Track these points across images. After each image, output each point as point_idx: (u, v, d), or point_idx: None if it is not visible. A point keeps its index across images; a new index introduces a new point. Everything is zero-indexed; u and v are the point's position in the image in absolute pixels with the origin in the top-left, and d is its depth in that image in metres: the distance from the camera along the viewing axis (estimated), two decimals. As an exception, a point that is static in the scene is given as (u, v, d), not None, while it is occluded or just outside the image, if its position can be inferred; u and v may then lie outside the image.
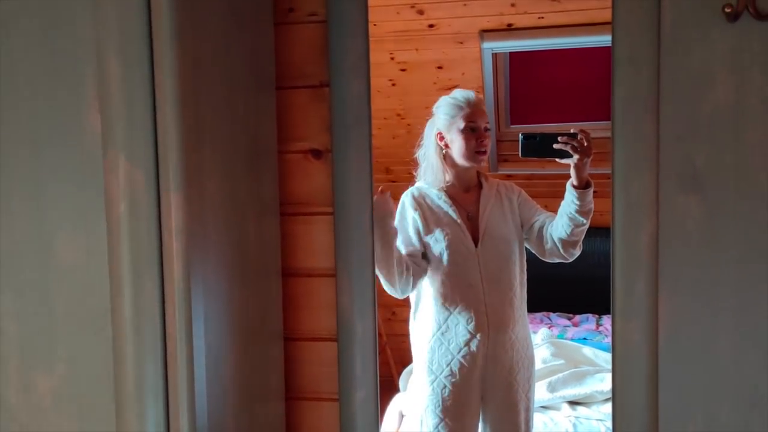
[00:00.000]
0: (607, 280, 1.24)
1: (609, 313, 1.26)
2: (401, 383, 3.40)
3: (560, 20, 3.30)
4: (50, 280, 1.05)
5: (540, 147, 2.06)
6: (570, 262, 2.22)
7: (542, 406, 2.95)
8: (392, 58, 3.63)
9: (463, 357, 2.15)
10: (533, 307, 2.48)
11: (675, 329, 1.20)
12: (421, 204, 2.19)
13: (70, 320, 1.05)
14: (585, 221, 2.08)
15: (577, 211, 2.05)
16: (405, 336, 2.36)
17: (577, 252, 2.17)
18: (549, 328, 3.80)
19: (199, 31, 1.06)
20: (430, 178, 2.22)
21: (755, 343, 1.17)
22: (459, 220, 2.16)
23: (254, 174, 1.29)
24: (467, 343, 2.14)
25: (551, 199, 2.50)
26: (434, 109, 2.24)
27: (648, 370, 1.22)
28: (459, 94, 2.20)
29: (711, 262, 1.18)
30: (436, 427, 2.17)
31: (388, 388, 3.38)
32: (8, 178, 1.05)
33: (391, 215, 2.04)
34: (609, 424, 2.71)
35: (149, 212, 1.00)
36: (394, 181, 4.03)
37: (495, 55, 3.60)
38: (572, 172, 2.04)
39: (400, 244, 2.17)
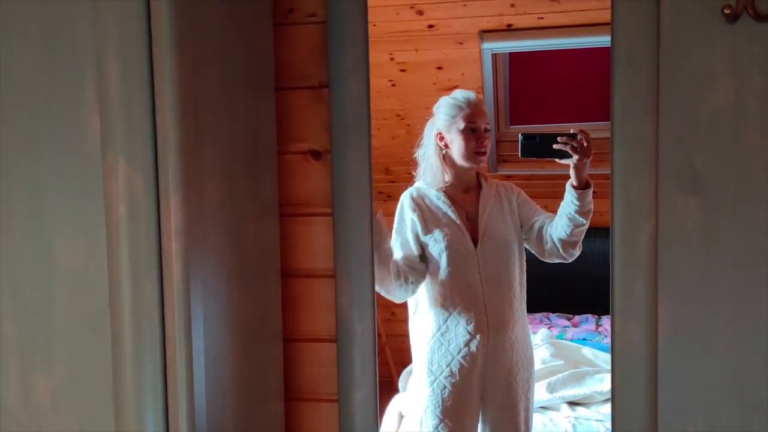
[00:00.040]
0: (606, 281, 1.24)
1: (609, 314, 1.26)
2: (401, 383, 3.40)
3: (560, 21, 3.30)
4: (50, 282, 1.05)
5: (540, 147, 2.06)
6: (569, 263, 2.22)
7: (541, 407, 2.95)
8: (392, 59, 3.63)
9: (463, 358, 2.14)
10: (533, 307, 2.48)
11: (674, 330, 1.20)
12: (420, 204, 2.19)
13: (69, 321, 1.05)
14: (585, 221, 2.08)
15: (577, 212, 2.05)
16: (404, 336, 2.36)
17: (577, 252, 2.17)
18: (548, 328, 3.80)
19: (199, 33, 1.06)
20: (429, 178, 2.22)
21: (755, 343, 1.17)
22: (458, 221, 2.16)
23: (254, 175, 1.29)
24: (467, 344, 2.14)
25: (551, 199, 2.50)
26: (434, 109, 2.24)
27: (647, 371, 1.22)
28: (459, 94, 2.20)
29: (710, 263, 1.18)
30: (436, 427, 2.17)
31: (387, 388, 3.38)
32: (8, 180, 1.05)
33: (386, 239, 2.04)
34: (608, 424, 2.71)
35: (148, 214, 1.00)
36: (393, 182, 4.03)
37: (495, 56, 3.60)
38: (572, 172, 2.04)
39: (398, 248, 2.17)
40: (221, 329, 1.15)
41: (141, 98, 0.99)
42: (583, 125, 2.41)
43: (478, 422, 2.22)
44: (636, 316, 1.22)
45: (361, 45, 1.35)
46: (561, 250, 2.16)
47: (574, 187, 2.05)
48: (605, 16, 1.24)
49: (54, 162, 1.03)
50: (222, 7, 1.15)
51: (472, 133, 2.15)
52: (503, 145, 3.95)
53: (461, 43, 3.49)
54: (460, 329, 2.14)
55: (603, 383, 3.02)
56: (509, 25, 3.38)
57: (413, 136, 2.34)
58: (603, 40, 3.22)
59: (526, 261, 2.27)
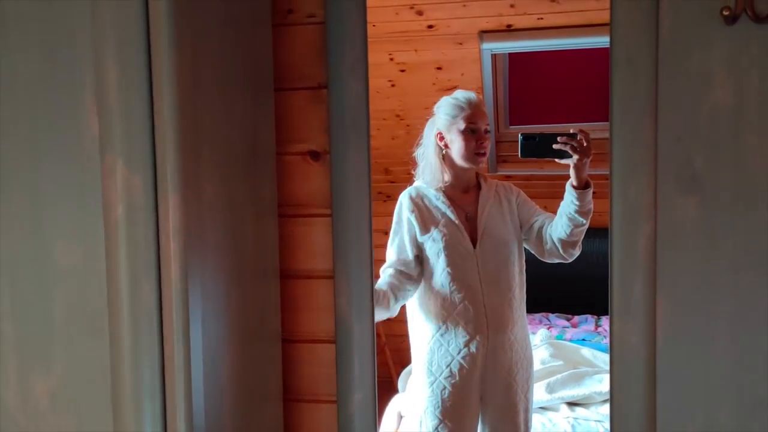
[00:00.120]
0: (606, 281, 1.24)
1: (608, 314, 1.26)
2: (400, 384, 3.40)
3: (559, 21, 3.30)
4: (48, 283, 1.05)
5: (539, 147, 2.07)
6: (569, 263, 2.22)
7: (541, 407, 2.95)
8: (391, 59, 3.63)
9: (463, 358, 2.14)
10: (532, 307, 2.48)
11: (673, 331, 1.20)
12: (419, 204, 2.19)
13: (67, 322, 1.05)
14: (584, 221, 2.08)
15: (577, 212, 2.06)
16: (404, 336, 2.36)
17: (577, 252, 2.18)
18: (548, 328, 3.80)
19: (197, 35, 1.06)
20: (428, 178, 2.22)
21: (753, 344, 1.17)
22: (457, 221, 2.16)
23: (252, 176, 1.29)
24: (466, 345, 2.14)
25: (550, 199, 2.50)
26: (435, 108, 2.24)
27: (646, 372, 1.22)
28: (460, 94, 2.20)
29: (709, 264, 1.18)
30: (436, 428, 2.17)
31: (386, 388, 3.38)
32: (7, 181, 1.05)
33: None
34: (607, 425, 2.71)
35: (147, 215, 1.00)
36: (393, 182, 4.03)
37: (494, 56, 3.60)
38: (572, 172, 2.04)
39: (395, 250, 2.18)
40: (220, 330, 1.15)
41: (139, 100, 0.99)
42: (583, 125, 2.41)
43: (477, 423, 2.22)
44: (635, 316, 1.22)
45: (360, 46, 1.35)
46: (561, 250, 2.16)
47: (574, 187, 2.05)
48: (604, 16, 1.24)
49: (53, 163, 1.03)
50: (221, 9, 1.15)
51: (472, 133, 2.15)
52: (503, 146, 3.95)
53: (461, 44, 3.49)
54: (459, 330, 2.14)
55: (602, 384, 3.02)
56: (509, 26, 3.38)
57: (413, 137, 2.34)
58: (602, 40, 3.21)
59: (526, 261, 2.27)
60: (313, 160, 1.40)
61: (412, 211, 2.17)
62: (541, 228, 2.20)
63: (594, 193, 2.08)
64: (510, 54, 3.73)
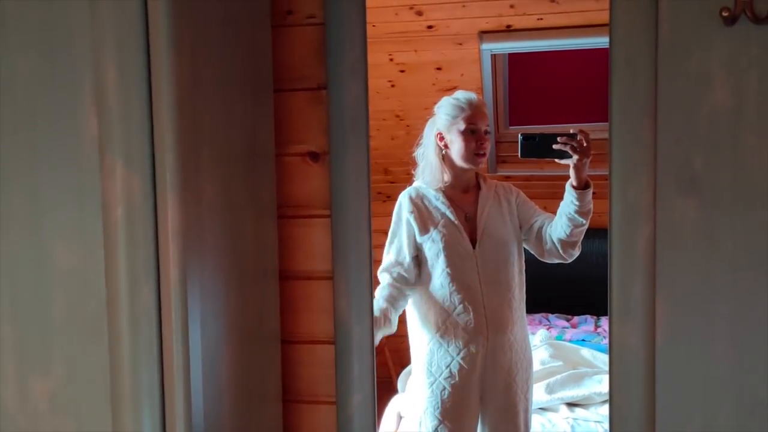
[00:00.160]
0: (605, 282, 1.24)
1: (607, 315, 1.26)
2: (399, 384, 3.39)
3: (559, 22, 3.30)
4: (47, 284, 1.05)
5: (539, 147, 2.07)
6: (569, 263, 2.22)
7: (540, 408, 2.95)
8: (391, 59, 3.63)
9: (462, 359, 2.14)
10: (532, 308, 2.48)
11: (672, 332, 1.20)
12: (418, 205, 2.19)
13: (66, 323, 1.05)
14: (584, 222, 2.08)
15: (577, 212, 2.06)
16: (403, 337, 2.36)
17: (576, 252, 2.18)
18: (547, 329, 3.79)
19: (196, 35, 1.06)
20: (428, 178, 2.22)
21: (753, 345, 1.17)
22: (456, 221, 2.16)
23: (252, 177, 1.29)
24: (466, 345, 2.14)
25: (550, 200, 2.49)
26: (435, 108, 2.24)
27: (645, 373, 1.22)
28: (461, 95, 2.20)
29: (708, 265, 1.17)
30: (435, 428, 2.17)
31: (386, 389, 3.38)
32: (6, 182, 1.05)
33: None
34: (607, 425, 2.71)
35: (146, 216, 1.00)
36: (392, 182, 4.03)
37: (494, 57, 3.60)
38: (571, 172, 2.04)
39: (393, 252, 2.19)
40: (219, 331, 1.15)
41: (138, 100, 0.99)
42: (583, 126, 2.41)
43: (477, 423, 2.22)
44: (634, 317, 1.22)
45: (360, 47, 1.35)
46: (560, 251, 2.16)
47: (573, 187, 2.05)
48: (604, 17, 1.24)
49: (52, 164, 1.03)
50: (220, 9, 1.15)
51: (472, 134, 2.15)
52: (502, 146, 3.95)
53: (460, 44, 3.49)
54: (459, 330, 2.14)
55: (602, 384, 3.02)
56: (508, 26, 3.38)
57: (412, 137, 2.34)
58: (602, 41, 3.21)
59: (525, 261, 2.27)
60: (312, 161, 1.40)
61: (411, 212, 2.17)
62: (540, 228, 2.20)
63: (594, 193, 2.08)
64: (510, 54, 3.73)
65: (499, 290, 2.17)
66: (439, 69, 3.66)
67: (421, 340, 2.21)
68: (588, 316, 4.02)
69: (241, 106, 1.24)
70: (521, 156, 2.11)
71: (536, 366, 2.89)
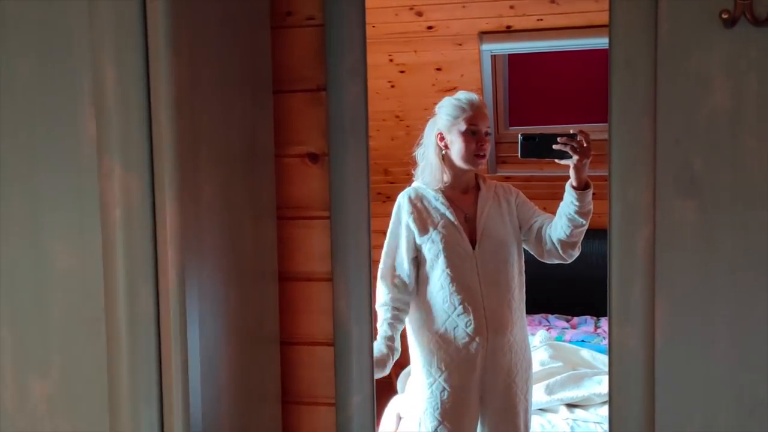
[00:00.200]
0: (605, 282, 1.24)
1: (607, 316, 1.26)
2: (399, 385, 3.39)
3: (559, 22, 3.30)
4: (45, 285, 1.05)
5: (539, 148, 2.06)
6: (568, 264, 2.22)
7: (540, 409, 2.95)
8: (391, 60, 3.62)
9: (462, 359, 2.14)
10: (531, 308, 2.48)
11: (672, 333, 1.20)
12: (417, 206, 2.18)
13: (65, 325, 1.05)
14: (584, 222, 2.08)
15: (577, 212, 2.05)
16: (403, 337, 2.36)
17: (576, 253, 2.18)
18: (547, 330, 3.79)
19: (195, 37, 1.06)
20: (428, 178, 2.22)
21: (752, 346, 1.17)
22: (456, 222, 2.16)
23: (251, 178, 1.28)
24: (466, 346, 2.14)
25: (550, 200, 2.49)
26: (437, 108, 2.24)
27: (644, 375, 1.22)
28: (463, 95, 2.20)
29: (708, 267, 1.17)
30: (435, 429, 2.17)
31: (385, 389, 3.37)
32: (4, 183, 1.05)
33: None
34: (606, 426, 2.71)
35: (144, 218, 1.00)
36: (392, 183, 4.03)
37: (494, 57, 3.60)
38: (571, 173, 2.04)
39: (393, 261, 2.19)
40: (218, 333, 1.15)
41: (137, 102, 0.99)
42: (583, 126, 2.41)
43: (477, 424, 2.22)
44: (633, 319, 1.22)
45: (359, 48, 1.35)
46: (560, 251, 2.15)
47: (573, 187, 2.05)
48: (604, 18, 1.24)
49: (50, 166, 1.03)
50: (218, 10, 1.15)
51: (472, 135, 2.15)
52: (502, 147, 3.95)
53: (460, 45, 3.49)
54: (459, 331, 2.14)
55: (601, 385, 3.01)
56: (508, 27, 3.37)
57: (412, 138, 2.34)
58: (602, 41, 3.21)
59: (525, 262, 2.27)
60: (311, 162, 1.40)
61: (411, 213, 2.17)
62: (540, 229, 2.20)
63: (594, 194, 2.07)
64: (510, 55, 3.73)
65: (498, 291, 2.17)
66: (439, 70, 3.66)
67: (421, 341, 2.21)
68: (588, 317, 4.01)
69: (240, 107, 1.24)
70: (521, 156, 2.11)
71: (536, 367, 2.89)
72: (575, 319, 4.02)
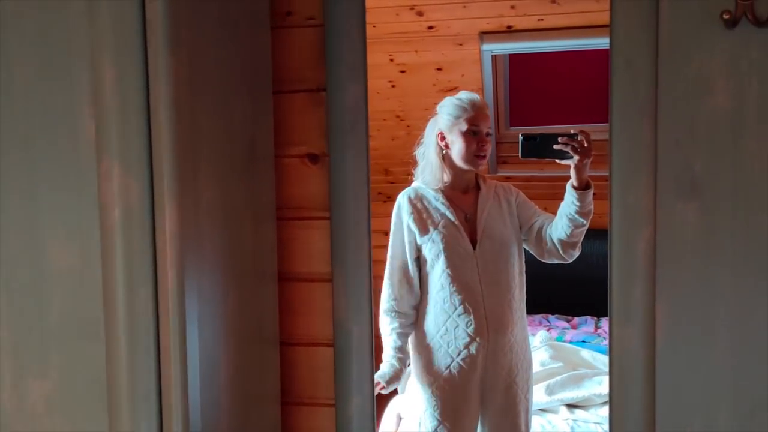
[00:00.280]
0: (606, 283, 1.24)
1: (608, 316, 1.26)
2: (399, 385, 3.39)
3: (560, 22, 3.30)
4: (44, 286, 1.04)
5: (540, 148, 2.06)
6: (569, 264, 2.22)
7: (540, 409, 2.95)
8: (391, 60, 3.62)
9: (462, 360, 2.14)
10: (532, 309, 2.47)
11: (672, 335, 1.19)
12: (417, 207, 2.18)
13: (63, 326, 1.04)
14: (585, 222, 2.08)
15: (577, 212, 2.05)
16: (403, 338, 2.36)
17: (577, 253, 2.17)
18: (547, 330, 3.79)
19: (195, 37, 1.06)
20: (428, 178, 2.22)
21: (753, 348, 1.17)
22: (456, 222, 2.16)
23: (251, 179, 1.28)
24: (466, 346, 2.14)
25: (550, 201, 2.49)
26: (438, 108, 2.23)
27: (645, 376, 1.22)
28: (464, 95, 2.20)
29: (708, 268, 1.17)
30: (435, 429, 2.17)
31: (386, 389, 3.37)
32: (3, 184, 1.04)
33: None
34: (606, 427, 2.71)
35: (143, 219, 1.00)
36: (392, 183, 4.02)
37: (494, 57, 3.60)
38: (572, 173, 2.04)
39: (400, 256, 2.18)
40: (217, 334, 1.15)
41: (136, 102, 0.99)
42: (584, 126, 2.41)
43: (477, 424, 2.22)
44: (634, 320, 1.22)
45: (360, 48, 1.35)
46: (561, 251, 2.15)
47: (574, 187, 2.05)
48: (605, 18, 1.24)
49: (49, 166, 1.03)
50: (218, 11, 1.15)
51: (473, 135, 2.15)
52: (503, 147, 3.95)
53: (461, 45, 3.49)
54: (459, 331, 2.14)
55: (602, 386, 3.01)
56: (509, 27, 3.37)
57: (413, 137, 2.33)
58: (603, 42, 3.19)
59: (526, 262, 2.26)
60: (311, 163, 1.40)
61: (411, 214, 2.17)
62: (540, 228, 2.19)
63: (594, 194, 2.07)
64: (510, 55, 3.72)
65: (499, 291, 2.17)
66: (439, 69, 3.65)
67: (421, 341, 2.21)
68: (588, 317, 4.01)
69: (240, 108, 1.23)
70: (522, 156, 2.11)
71: (536, 367, 2.89)
72: (576, 320, 4.02)
